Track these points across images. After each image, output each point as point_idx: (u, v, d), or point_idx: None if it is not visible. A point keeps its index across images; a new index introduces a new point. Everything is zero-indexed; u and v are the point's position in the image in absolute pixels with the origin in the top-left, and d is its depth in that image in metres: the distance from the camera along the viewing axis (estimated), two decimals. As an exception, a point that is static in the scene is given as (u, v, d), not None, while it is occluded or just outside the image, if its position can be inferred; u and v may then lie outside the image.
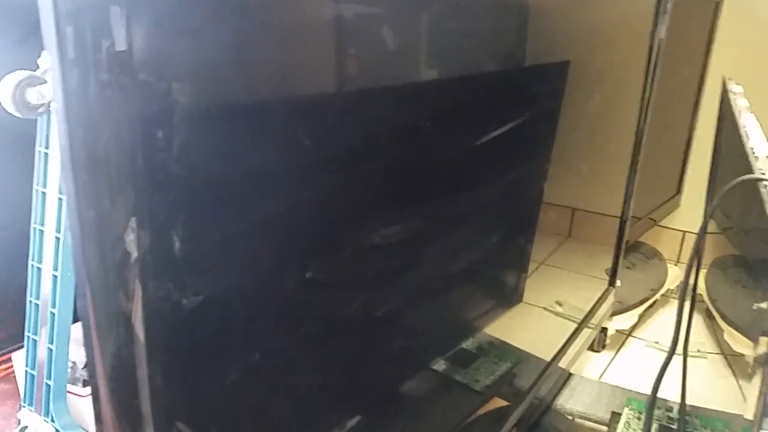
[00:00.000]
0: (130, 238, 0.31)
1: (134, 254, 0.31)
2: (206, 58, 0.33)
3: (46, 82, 0.73)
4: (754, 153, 0.46)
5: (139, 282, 0.31)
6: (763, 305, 0.58)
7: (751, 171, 0.44)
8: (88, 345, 0.31)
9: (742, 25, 1.59)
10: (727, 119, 0.66)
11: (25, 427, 0.80)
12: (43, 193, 0.77)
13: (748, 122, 0.56)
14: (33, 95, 0.72)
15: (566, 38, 0.85)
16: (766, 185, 0.40)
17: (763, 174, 0.42)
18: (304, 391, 0.50)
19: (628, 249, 1.56)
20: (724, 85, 0.81)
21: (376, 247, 0.51)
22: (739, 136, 0.53)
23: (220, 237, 0.35)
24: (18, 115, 0.72)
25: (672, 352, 0.64)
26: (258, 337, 0.40)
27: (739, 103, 0.66)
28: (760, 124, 0.55)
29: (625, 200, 1.25)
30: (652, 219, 1.65)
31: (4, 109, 0.72)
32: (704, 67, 1.63)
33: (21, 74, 0.71)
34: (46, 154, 0.76)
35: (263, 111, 0.38)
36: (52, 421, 0.79)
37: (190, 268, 0.33)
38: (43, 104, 0.73)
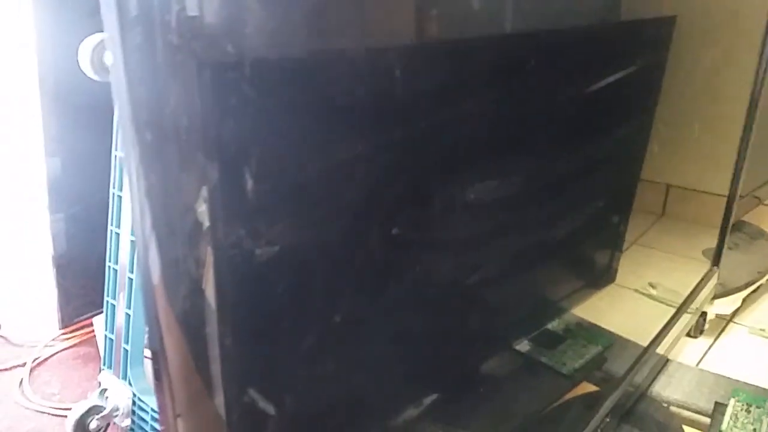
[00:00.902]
0: (202, 208, 0.27)
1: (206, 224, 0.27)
2: (279, 16, 0.29)
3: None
4: None
5: (209, 230, 0.27)
6: None
7: None
8: (149, 305, 0.28)
9: None
10: None
11: (105, 389, 0.81)
12: (122, 158, 0.77)
13: None
14: (109, 57, 0.71)
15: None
16: None
17: None
18: (380, 359, 0.46)
19: (728, 229, 1.44)
20: None
21: (468, 205, 0.46)
22: None
23: (298, 183, 0.31)
24: (96, 78, 0.72)
25: None
26: (336, 296, 0.36)
27: None
28: None
29: (734, 176, 1.14)
30: (756, 197, 1.52)
31: (83, 75, 0.71)
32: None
33: (99, 36, 0.71)
34: (123, 116, 0.76)
35: (347, 58, 0.34)
36: (130, 385, 0.80)
37: (265, 216, 0.29)
38: (120, 65, 0.72)
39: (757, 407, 0.86)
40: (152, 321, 0.28)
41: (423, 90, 0.39)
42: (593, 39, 0.62)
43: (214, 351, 0.31)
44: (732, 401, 0.87)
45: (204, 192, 0.27)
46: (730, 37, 0.99)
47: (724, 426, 0.82)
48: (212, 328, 0.30)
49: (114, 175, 0.79)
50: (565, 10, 0.57)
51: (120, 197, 0.78)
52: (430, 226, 0.43)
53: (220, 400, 0.32)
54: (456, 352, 0.57)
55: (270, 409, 0.35)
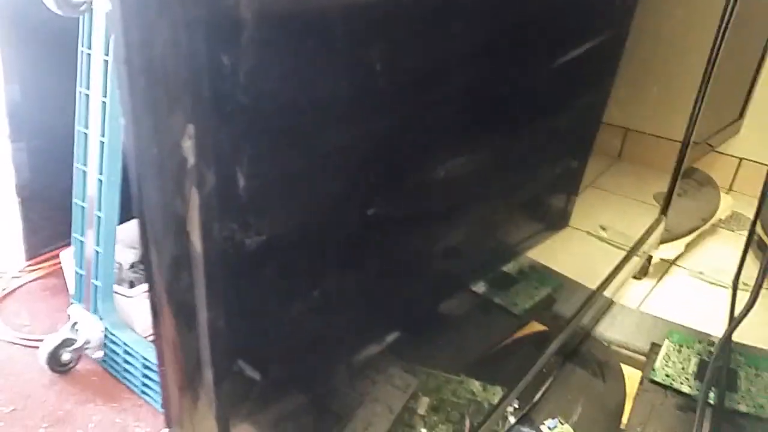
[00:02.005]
0: (187, 144, 0.28)
1: (191, 161, 0.29)
2: None
3: (87, -23, 0.69)
4: None
5: (195, 188, 0.29)
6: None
7: None
8: (146, 257, 0.30)
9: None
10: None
11: (75, 323, 0.83)
12: (87, 95, 0.76)
13: None
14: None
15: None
16: None
17: None
18: (352, 310, 0.49)
19: (680, 175, 1.50)
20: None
21: (434, 173, 0.48)
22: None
23: (277, 143, 0.33)
24: (59, 12, 0.70)
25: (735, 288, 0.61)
26: (314, 253, 0.39)
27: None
28: None
29: (689, 123, 1.18)
30: (709, 144, 1.57)
31: (44, 7, 0.69)
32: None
33: (63, -32, 0.68)
34: (88, 55, 0.74)
35: (325, 31, 0.35)
36: (101, 319, 0.82)
37: (247, 176, 0.31)
38: (85, 2, 0.71)
39: (688, 347, 0.94)
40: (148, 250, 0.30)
41: (396, 74, 0.40)
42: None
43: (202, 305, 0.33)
44: (666, 342, 0.95)
45: (190, 129, 0.28)
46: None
47: (656, 364, 0.90)
48: (199, 270, 0.32)
49: (79, 112, 0.78)
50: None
51: (85, 134, 0.78)
52: (401, 199, 0.45)
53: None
54: (420, 299, 0.61)
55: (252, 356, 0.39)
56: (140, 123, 0.28)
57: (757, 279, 0.69)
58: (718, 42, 1.09)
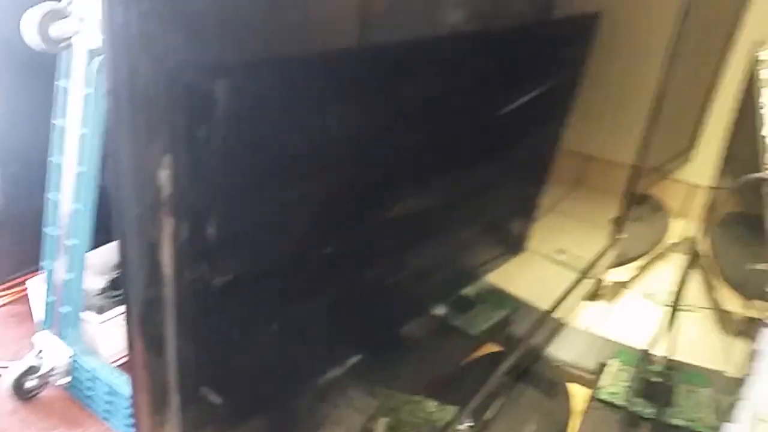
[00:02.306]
0: (164, 174, 0.32)
1: (165, 181, 0.32)
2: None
3: (68, 15, 0.73)
4: (765, 141, 0.47)
5: (168, 210, 0.33)
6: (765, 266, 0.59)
7: (759, 160, 0.44)
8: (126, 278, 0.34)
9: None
10: (753, 89, 0.66)
11: (41, 350, 0.85)
12: (62, 127, 0.79)
13: (766, 101, 0.55)
14: (56, 29, 0.72)
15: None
16: None
17: None
18: (313, 339, 0.53)
19: (635, 201, 1.57)
20: (752, 51, 0.80)
21: (394, 209, 0.53)
22: (756, 115, 0.53)
23: (247, 186, 0.37)
24: (41, 49, 0.72)
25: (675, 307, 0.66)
26: (278, 276, 0.43)
27: (762, 75, 0.65)
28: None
29: (640, 150, 1.24)
30: (663, 171, 1.65)
31: (23, 41, 0.72)
32: (735, 23, 1.58)
33: (47, 6, 0.71)
34: (65, 88, 0.77)
35: (292, 88, 0.39)
36: (67, 345, 0.84)
37: (216, 203, 0.35)
38: (65, 39, 0.73)
39: (633, 366, 0.99)
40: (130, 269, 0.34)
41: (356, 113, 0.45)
42: (523, 32, 0.68)
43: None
44: (612, 361, 1.00)
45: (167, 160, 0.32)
46: (645, 29, 1.07)
47: (603, 383, 0.95)
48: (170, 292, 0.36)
49: (53, 143, 0.80)
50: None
51: (58, 165, 0.80)
52: (358, 227, 0.49)
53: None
54: (380, 320, 0.65)
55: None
56: (122, 151, 0.31)
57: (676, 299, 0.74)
58: (664, 75, 1.16)
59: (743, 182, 0.54)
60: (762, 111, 0.51)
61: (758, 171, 0.41)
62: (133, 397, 0.38)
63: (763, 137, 0.46)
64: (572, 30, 0.82)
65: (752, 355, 0.34)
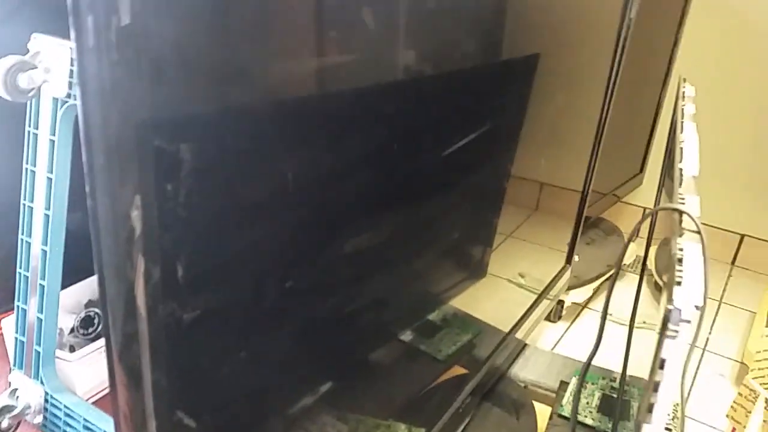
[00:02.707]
0: (135, 214, 0.36)
1: (138, 230, 0.36)
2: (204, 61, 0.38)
3: (36, 67, 0.76)
4: (681, 174, 0.52)
5: (141, 256, 0.37)
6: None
7: (674, 191, 0.50)
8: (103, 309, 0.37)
9: (712, 8, 1.64)
10: (676, 122, 0.72)
11: (16, 389, 0.86)
12: (33, 172, 0.81)
13: (687, 135, 0.61)
14: (24, 80, 0.75)
15: (536, 31, 0.90)
16: (680, 215, 0.46)
17: (682, 201, 0.48)
18: (283, 366, 0.56)
19: (590, 225, 1.64)
20: (678, 86, 0.87)
21: (354, 242, 0.57)
22: (677, 147, 0.59)
23: (215, 228, 0.41)
24: (8, 98, 0.76)
25: (605, 318, 0.71)
26: (247, 303, 0.47)
27: (686, 110, 0.72)
28: (699, 138, 0.61)
29: (586, 177, 1.31)
30: (615, 195, 1.73)
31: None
32: (674, 48, 1.69)
33: (12, 59, 0.74)
34: (35, 134, 0.80)
35: (253, 138, 0.43)
36: (42, 384, 0.85)
37: (187, 243, 0.39)
38: (33, 88, 0.77)
39: (592, 383, 1.04)
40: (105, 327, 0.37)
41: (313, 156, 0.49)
42: (469, 74, 0.74)
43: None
44: (573, 379, 1.05)
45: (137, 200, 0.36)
46: (585, 64, 1.15)
47: (564, 400, 1.00)
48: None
49: (24, 187, 0.83)
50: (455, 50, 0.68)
51: (31, 208, 0.83)
52: (318, 267, 0.53)
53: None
54: (349, 353, 0.68)
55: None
56: (97, 192, 0.35)
57: (603, 314, 0.79)
58: (605, 106, 1.23)
59: (656, 212, 0.59)
60: (681, 145, 0.57)
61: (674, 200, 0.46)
62: (115, 424, 0.41)
63: (681, 170, 0.52)
64: (517, 70, 0.88)
65: (661, 364, 0.38)
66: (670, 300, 0.38)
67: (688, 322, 0.38)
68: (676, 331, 0.38)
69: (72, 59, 0.75)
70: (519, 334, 1.12)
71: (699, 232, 0.45)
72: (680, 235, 0.45)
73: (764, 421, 0.99)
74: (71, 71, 0.75)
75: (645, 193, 1.86)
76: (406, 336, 0.80)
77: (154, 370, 0.39)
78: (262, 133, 0.44)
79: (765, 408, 1.00)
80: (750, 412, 1.02)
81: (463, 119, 0.73)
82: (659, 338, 0.40)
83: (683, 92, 0.78)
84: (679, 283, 0.40)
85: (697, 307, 0.38)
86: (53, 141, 0.79)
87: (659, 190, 1.16)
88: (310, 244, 0.52)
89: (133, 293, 0.37)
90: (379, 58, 0.56)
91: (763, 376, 1.10)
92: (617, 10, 1.16)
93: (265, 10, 0.42)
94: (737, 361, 1.34)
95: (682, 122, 0.65)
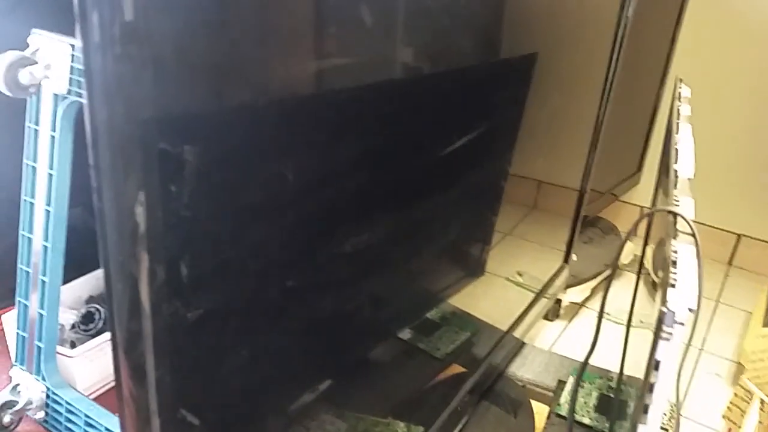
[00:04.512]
0: (139, 210, 0.36)
1: (142, 226, 0.36)
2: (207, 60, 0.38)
3: (36, 62, 0.76)
4: (676, 175, 0.53)
5: (145, 251, 0.37)
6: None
7: (670, 192, 0.50)
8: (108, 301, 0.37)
9: (709, 9, 1.64)
10: (672, 122, 0.73)
11: (17, 385, 0.86)
12: (33, 167, 0.81)
13: (682, 137, 0.62)
14: (24, 76, 0.75)
15: (535, 30, 0.91)
16: (674, 217, 0.47)
17: (676, 203, 0.49)
18: (284, 364, 0.57)
19: (588, 224, 1.65)
20: (675, 86, 0.88)
21: (350, 241, 0.57)
22: (672, 148, 0.60)
23: (217, 229, 0.41)
24: (9, 94, 0.76)
25: (601, 318, 0.72)
26: (251, 303, 0.47)
27: (682, 111, 0.72)
28: (694, 139, 0.61)
29: (584, 175, 1.31)
30: (613, 194, 1.74)
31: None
32: (671, 47, 1.70)
33: (12, 55, 0.74)
34: (35, 130, 0.80)
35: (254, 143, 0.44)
36: (43, 380, 0.85)
37: (190, 243, 0.39)
38: (33, 84, 0.77)
39: (590, 383, 1.05)
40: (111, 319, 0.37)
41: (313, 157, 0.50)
42: (469, 73, 0.74)
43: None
44: (571, 379, 1.06)
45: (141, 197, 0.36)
46: (583, 63, 1.15)
47: (562, 400, 1.00)
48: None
49: (25, 183, 0.83)
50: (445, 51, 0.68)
51: (31, 204, 0.83)
52: (318, 267, 0.54)
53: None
54: (349, 350, 0.69)
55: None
56: (104, 186, 0.35)
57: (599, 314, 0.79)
58: (602, 105, 1.24)
59: (653, 213, 0.60)
60: (676, 146, 0.58)
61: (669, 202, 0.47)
62: (120, 420, 0.42)
63: (675, 171, 0.52)
64: (515, 68, 0.88)
65: (655, 365, 0.39)
66: (664, 302, 0.39)
67: (682, 324, 0.38)
68: (670, 333, 0.38)
69: (72, 55, 0.75)
70: (517, 333, 1.12)
71: (693, 234, 0.46)
72: (674, 237, 0.46)
73: (759, 422, 1.00)
74: (72, 67, 0.75)
75: (642, 192, 1.87)
76: (405, 334, 0.80)
77: (158, 366, 0.39)
78: (266, 131, 0.44)
79: (760, 409, 1.00)
80: (746, 413, 1.02)
81: (462, 118, 0.74)
82: (653, 340, 0.41)
83: (679, 93, 0.79)
84: (673, 285, 0.40)
85: (690, 310, 0.38)
86: (54, 137, 0.79)
87: (656, 190, 1.17)
88: (311, 242, 0.52)
89: (138, 289, 0.37)
90: (379, 58, 0.57)
91: (759, 377, 1.11)
92: (614, 8, 1.16)
93: (272, 9, 0.42)
94: (733, 361, 1.35)
95: (677, 123, 0.65)
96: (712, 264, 1.73)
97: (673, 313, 0.38)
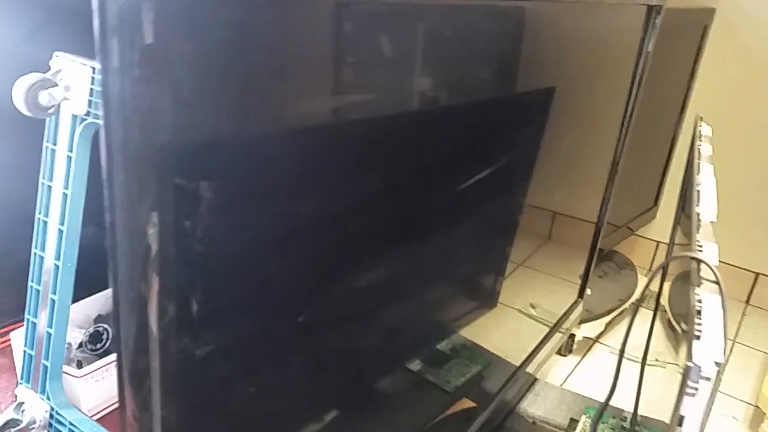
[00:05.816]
0: (151, 231, 0.35)
1: (154, 248, 0.36)
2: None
3: (57, 84, 0.77)
4: (699, 219, 0.51)
5: (156, 274, 0.36)
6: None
7: (692, 237, 0.49)
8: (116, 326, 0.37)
9: (728, 46, 1.64)
10: (692, 161, 0.72)
11: (22, 403, 0.85)
12: (49, 187, 0.82)
13: (704, 178, 0.61)
14: (44, 97, 0.76)
15: (554, 64, 0.90)
16: (698, 264, 0.46)
17: (699, 249, 0.47)
18: (292, 395, 0.56)
19: (603, 257, 1.63)
20: (695, 125, 0.87)
21: (364, 274, 0.57)
22: (693, 190, 0.58)
23: (224, 254, 0.41)
24: (29, 115, 0.76)
25: (621, 358, 0.70)
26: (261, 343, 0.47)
27: (703, 150, 0.71)
28: (715, 174, 0.60)
29: (601, 209, 1.30)
30: (629, 228, 1.72)
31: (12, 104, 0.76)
32: (690, 83, 1.69)
33: (33, 77, 0.75)
34: (53, 150, 0.81)
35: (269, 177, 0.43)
36: (48, 399, 0.85)
37: (202, 268, 0.38)
38: (53, 105, 0.78)
39: (602, 422, 1.02)
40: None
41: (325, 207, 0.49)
42: (488, 106, 0.74)
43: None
44: (583, 417, 1.03)
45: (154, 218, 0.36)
46: (602, 96, 1.15)
47: (573, 438, 0.98)
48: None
49: (40, 201, 0.83)
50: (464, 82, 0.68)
51: (45, 222, 0.83)
52: (330, 301, 0.53)
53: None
54: (357, 380, 0.67)
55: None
56: (116, 209, 0.35)
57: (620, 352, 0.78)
58: (622, 138, 1.23)
59: (674, 260, 0.58)
60: (698, 188, 0.56)
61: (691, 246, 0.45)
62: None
63: (698, 214, 0.51)
64: (533, 102, 0.88)
65: (680, 421, 0.37)
66: (689, 356, 0.37)
67: (708, 379, 0.36)
68: (696, 389, 0.37)
69: (93, 78, 0.76)
70: (529, 368, 1.10)
71: (718, 283, 0.44)
72: (698, 285, 0.44)
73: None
74: (91, 90, 0.76)
75: (659, 227, 1.84)
76: (415, 365, 0.79)
77: (163, 390, 0.38)
78: (282, 162, 0.44)
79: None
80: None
81: (478, 151, 0.74)
82: (678, 395, 0.39)
83: (700, 131, 0.78)
84: (698, 337, 0.38)
85: (717, 363, 0.37)
86: (70, 157, 0.79)
87: (674, 227, 1.15)
88: (326, 277, 0.51)
89: (146, 312, 0.36)
90: (398, 92, 0.56)
91: (778, 422, 1.08)
92: (635, 43, 1.16)
93: (294, 39, 0.42)
94: (750, 404, 1.31)
95: (698, 163, 0.64)
96: (729, 302, 1.69)
97: (699, 367, 0.37)
